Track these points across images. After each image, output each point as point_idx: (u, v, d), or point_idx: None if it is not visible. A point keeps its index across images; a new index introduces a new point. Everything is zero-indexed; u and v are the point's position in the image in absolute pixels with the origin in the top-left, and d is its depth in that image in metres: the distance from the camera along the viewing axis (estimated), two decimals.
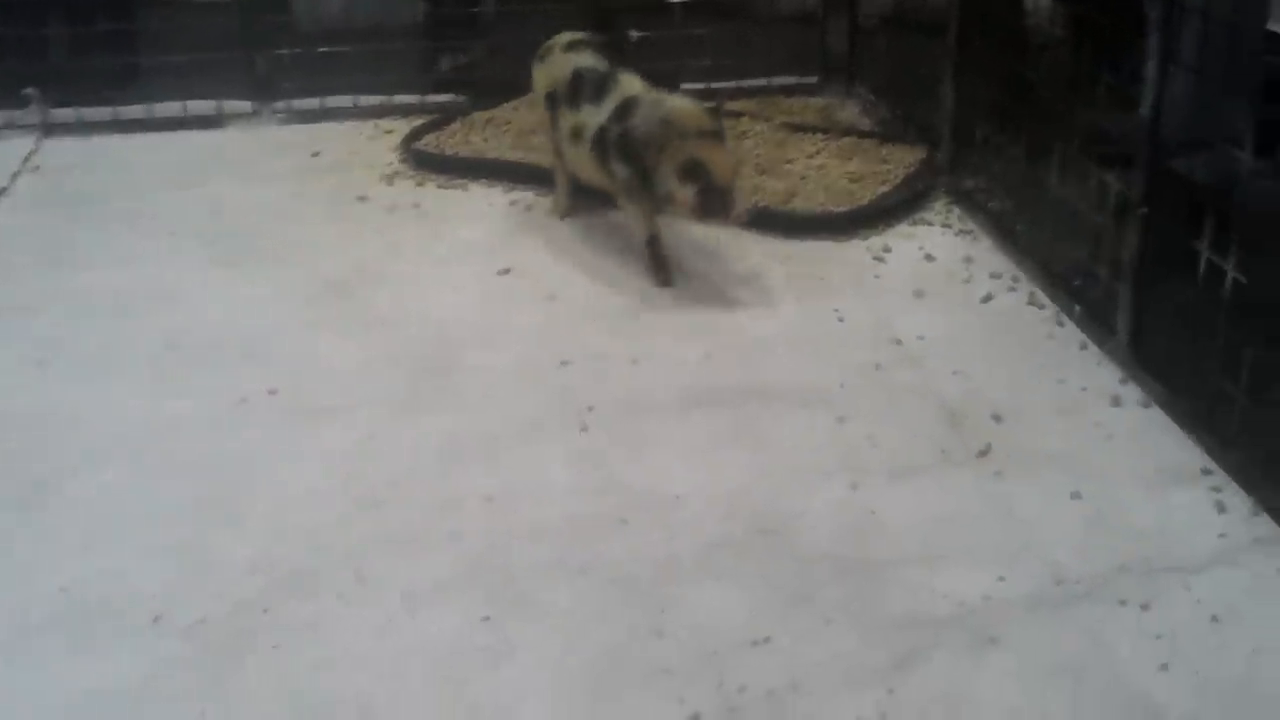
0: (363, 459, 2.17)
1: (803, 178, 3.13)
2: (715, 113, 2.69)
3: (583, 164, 2.87)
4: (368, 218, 3.10)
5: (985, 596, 1.84)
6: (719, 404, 2.31)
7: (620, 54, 2.97)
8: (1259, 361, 2.01)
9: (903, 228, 2.97)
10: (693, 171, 2.57)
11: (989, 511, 2.03)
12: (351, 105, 3.73)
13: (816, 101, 3.70)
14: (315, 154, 3.47)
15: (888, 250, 2.87)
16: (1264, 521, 1.97)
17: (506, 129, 3.48)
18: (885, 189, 3.07)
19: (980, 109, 2.97)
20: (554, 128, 2.93)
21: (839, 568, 1.91)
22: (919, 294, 2.68)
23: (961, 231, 2.95)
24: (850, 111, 3.64)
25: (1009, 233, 2.85)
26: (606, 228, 2.98)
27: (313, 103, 3.73)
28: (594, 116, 2.77)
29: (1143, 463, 2.13)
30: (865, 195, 3.04)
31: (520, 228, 3.03)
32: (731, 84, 3.71)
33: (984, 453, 2.16)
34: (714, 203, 2.58)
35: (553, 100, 2.90)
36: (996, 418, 2.25)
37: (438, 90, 3.77)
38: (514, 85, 3.63)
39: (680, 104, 2.69)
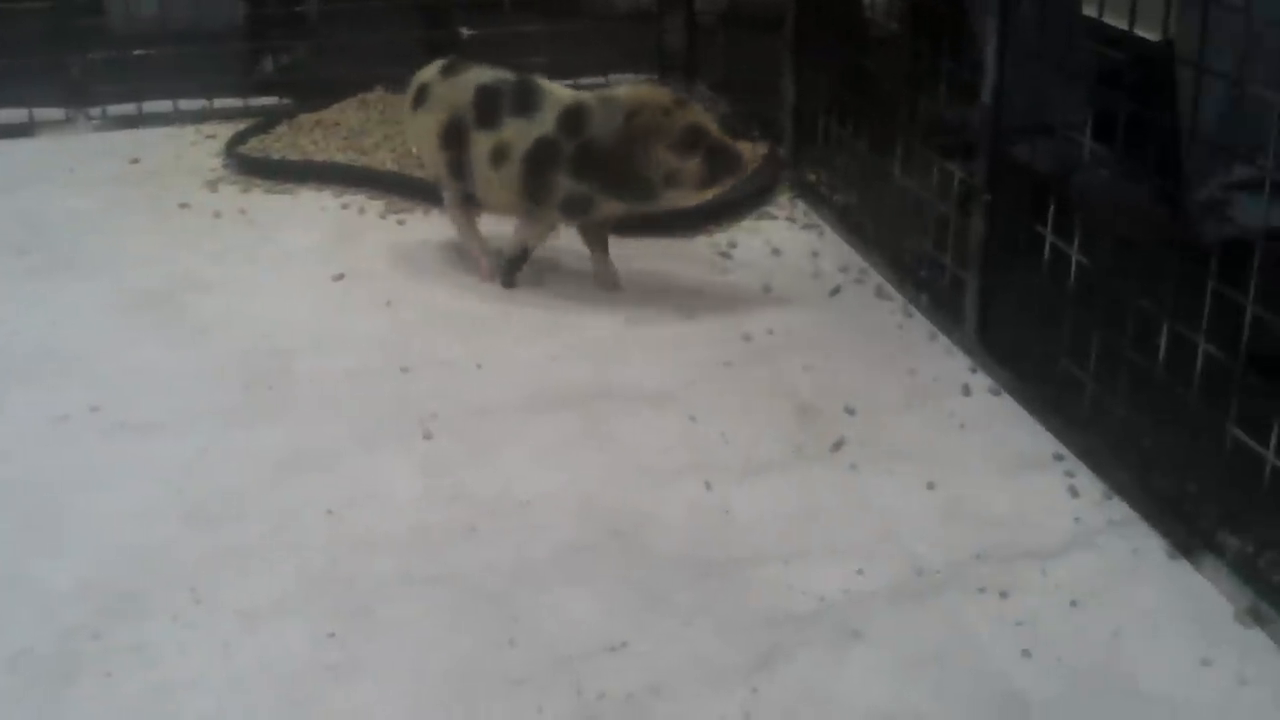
0: (194, 474, 2.09)
1: None
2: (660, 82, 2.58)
3: (505, 186, 2.58)
4: (191, 225, 2.99)
5: (845, 590, 1.82)
6: (567, 406, 2.27)
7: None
8: (1105, 345, 2.04)
9: (748, 223, 2.97)
10: (690, 139, 2.45)
11: (845, 505, 2.02)
12: (171, 110, 3.61)
13: None
14: (134, 161, 3.36)
15: (734, 246, 2.86)
16: (1117, 504, 1.99)
17: (335, 131, 3.39)
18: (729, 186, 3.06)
19: (822, 103, 2.99)
20: (457, 172, 2.64)
21: (696, 568, 1.88)
22: (767, 289, 2.67)
23: (807, 225, 2.96)
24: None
25: (855, 225, 2.86)
26: (443, 231, 2.92)
27: (130, 108, 3.60)
28: (526, 130, 2.53)
29: (995, 450, 2.14)
30: (709, 191, 3.02)
31: (353, 232, 2.96)
32: (569, 82, 3.65)
33: (838, 446, 2.15)
34: (723, 161, 2.47)
35: (454, 132, 2.60)
36: (849, 411, 2.25)
37: (261, 93, 3.66)
38: (341, 86, 3.56)
39: (626, 91, 2.58)
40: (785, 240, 2.89)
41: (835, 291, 2.67)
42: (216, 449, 2.15)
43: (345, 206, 3.07)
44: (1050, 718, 1.61)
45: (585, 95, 2.57)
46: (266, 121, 3.46)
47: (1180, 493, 1.93)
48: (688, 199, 2.55)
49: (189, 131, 3.56)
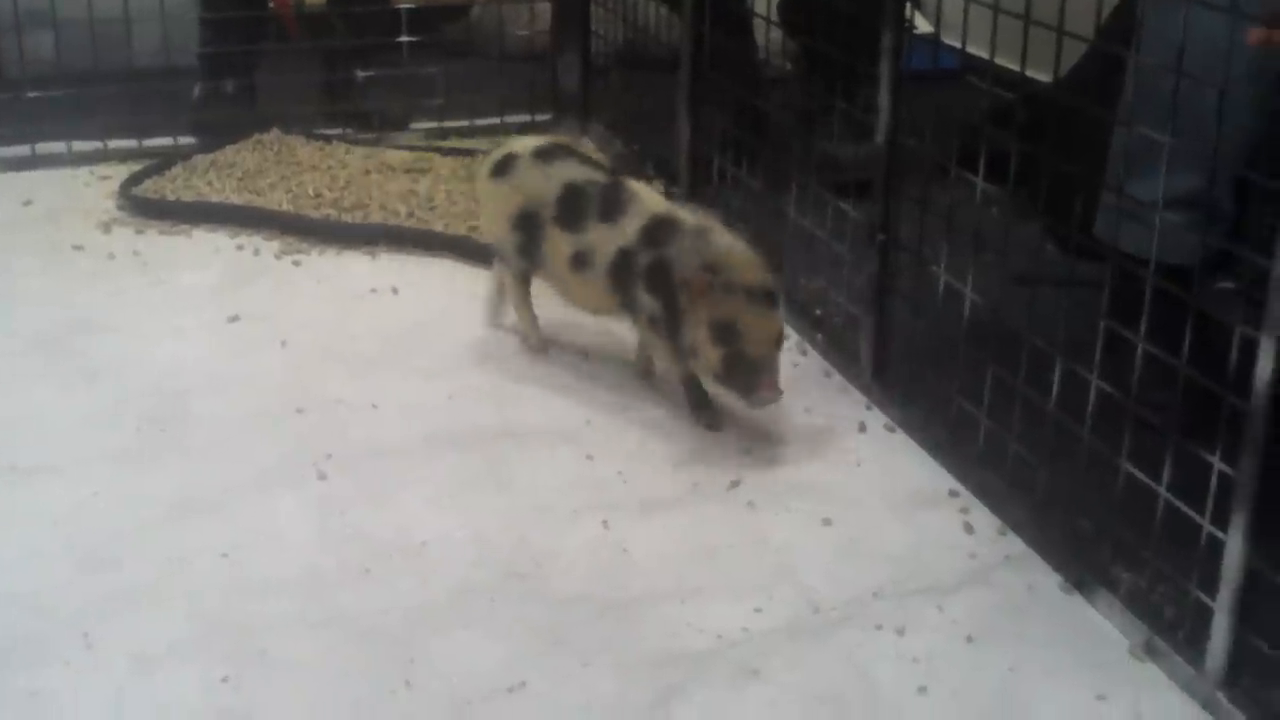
0: (86, 518, 2.02)
1: None
2: (772, 263, 2.23)
3: (589, 293, 2.37)
4: (85, 267, 2.91)
5: (744, 629, 1.80)
6: (464, 447, 2.23)
7: (606, 159, 2.55)
8: (998, 381, 2.04)
9: None
10: (725, 334, 2.13)
11: (742, 543, 2.00)
12: (65, 151, 3.51)
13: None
14: (26, 203, 3.26)
15: None
16: (1012, 540, 1.99)
17: (230, 172, 3.32)
18: None
19: (716, 143, 2.98)
20: (525, 255, 2.44)
21: (594, 608, 1.84)
22: None
23: None
24: (585, 149, 3.61)
25: None
26: (339, 271, 2.87)
27: (23, 150, 3.49)
28: (609, 238, 2.28)
29: (891, 487, 2.14)
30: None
31: (248, 273, 2.89)
32: (465, 123, 3.65)
33: (734, 485, 2.14)
34: (742, 376, 2.15)
35: (531, 219, 2.38)
36: (745, 450, 2.24)
37: (156, 134, 3.58)
38: (235, 127, 3.50)
39: (732, 245, 2.21)
40: None
41: None
42: (109, 492, 2.09)
43: (240, 248, 3.00)
44: None
45: (681, 211, 2.29)
46: (162, 163, 3.39)
47: (1074, 528, 1.94)
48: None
49: (83, 173, 3.46)
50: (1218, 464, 1.61)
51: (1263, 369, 1.52)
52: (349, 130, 3.63)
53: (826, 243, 2.56)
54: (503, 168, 2.45)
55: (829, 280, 2.60)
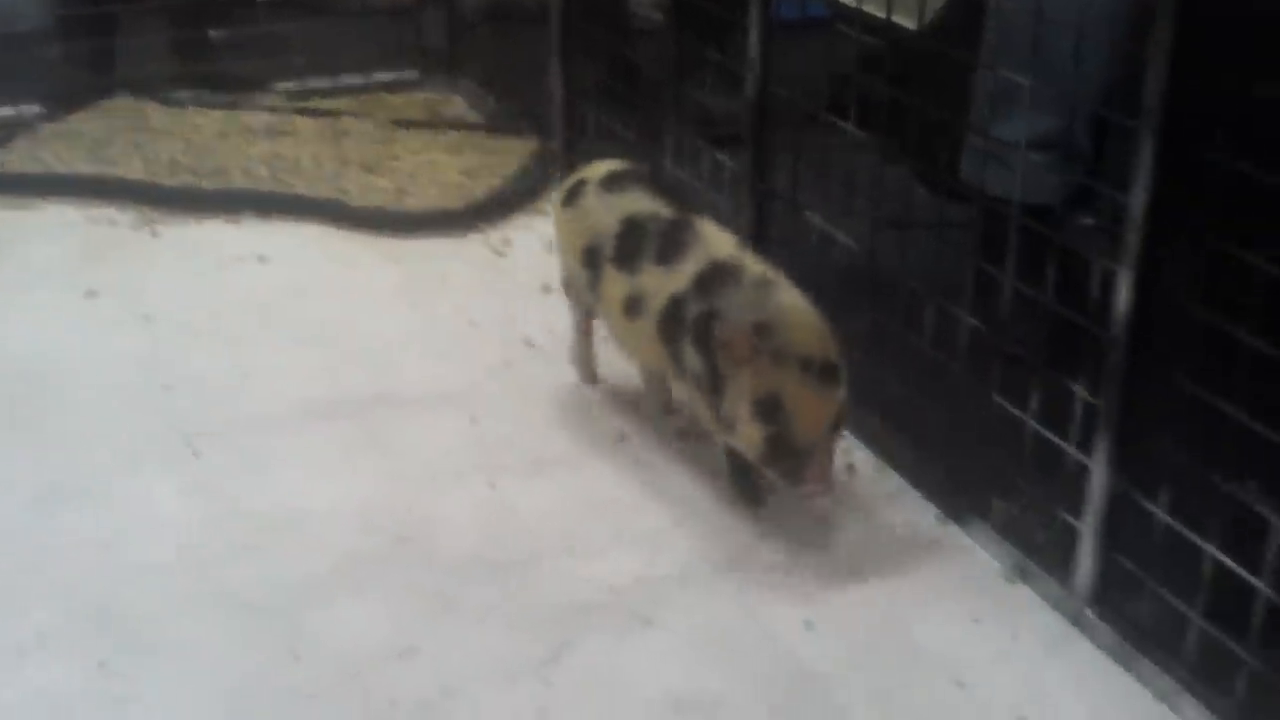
0: None
1: (412, 175, 3.16)
2: (842, 334, 1.96)
3: (639, 343, 2.13)
4: None
5: (636, 579, 1.92)
6: (343, 415, 2.30)
7: (681, 191, 2.28)
8: (873, 324, 2.17)
9: (522, 220, 3.04)
10: (771, 411, 1.87)
11: (631, 497, 2.11)
12: None
13: (420, 97, 3.73)
14: None
15: (508, 244, 2.93)
16: (891, 477, 2.15)
17: (78, 141, 3.33)
18: (500, 182, 3.13)
19: (590, 96, 3.08)
20: (591, 287, 2.19)
21: (485, 569, 1.94)
22: (545, 288, 2.74)
23: None
24: (456, 105, 3.69)
25: None
26: (201, 241, 2.91)
27: None
28: (663, 282, 2.02)
29: None
30: (479, 189, 3.10)
31: (103, 246, 2.92)
32: (327, 82, 3.69)
33: (621, 439, 2.24)
34: (786, 462, 1.89)
35: (595, 256, 2.15)
36: (632, 404, 2.34)
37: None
38: (89, 93, 3.50)
39: (793, 305, 1.95)
40: None
41: None
42: None
43: (93, 220, 3.02)
44: (835, 685, 1.74)
45: (749, 258, 2.03)
46: (4, 134, 3.38)
47: (949, 464, 2.08)
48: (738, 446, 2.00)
49: None
50: (1081, 394, 1.77)
51: (1121, 300, 1.67)
52: (203, 93, 3.65)
53: (703, 193, 2.67)
54: (573, 196, 2.25)
55: None
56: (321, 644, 1.79)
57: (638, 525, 2.04)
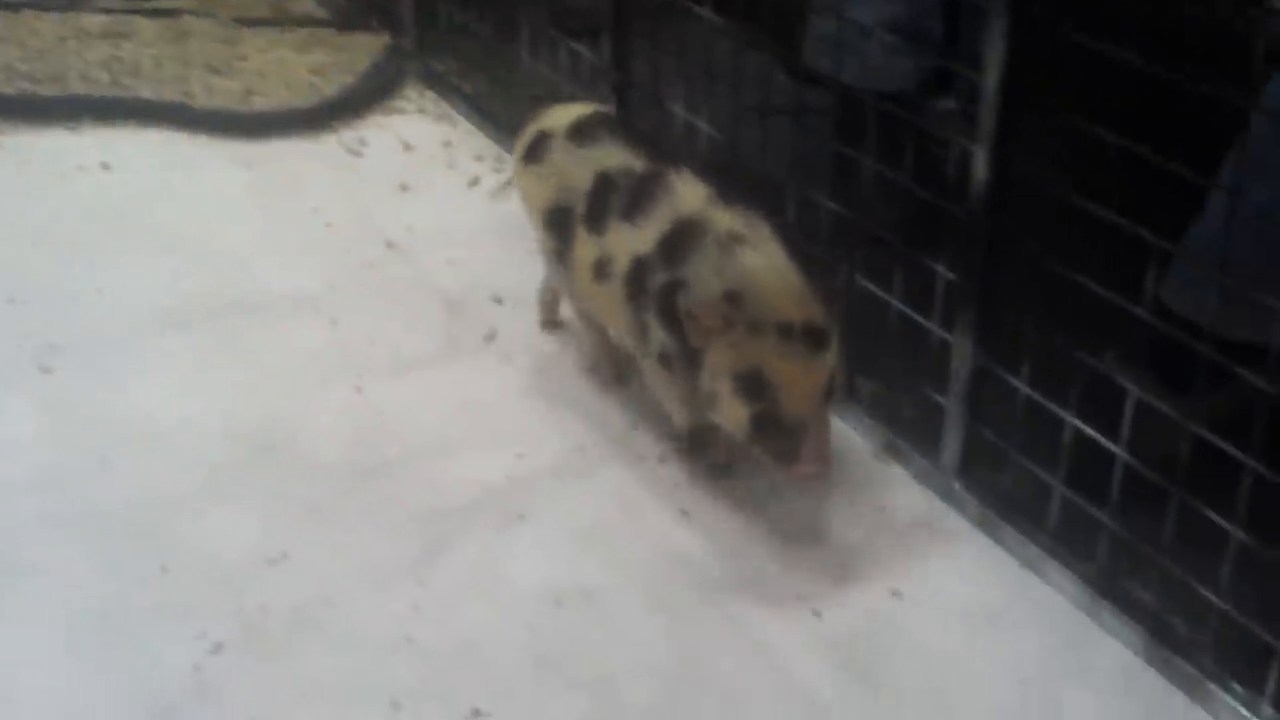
0: None
1: (260, 74, 3.08)
2: (826, 289, 1.77)
3: (610, 309, 1.92)
4: None
5: (508, 476, 1.92)
6: (199, 324, 2.26)
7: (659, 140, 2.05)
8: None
9: (376, 118, 2.98)
10: (753, 387, 1.70)
11: (502, 395, 2.11)
12: None
13: None
14: None
15: (364, 143, 2.88)
16: None
17: None
18: (352, 79, 3.07)
19: None
20: (563, 262, 2.00)
21: (353, 473, 1.93)
22: (404, 186, 2.70)
23: (438, 116, 3.00)
24: (303, 2, 3.60)
25: (487, 113, 2.92)
26: (40, 150, 2.82)
27: None
28: (627, 242, 1.84)
29: None
30: (331, 87, 3.03)
31: None
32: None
33: (490, 338, 2.23)
34: (777, 441, 1.71)
35: (563, 219, 1.96)
36: (498, 301, 2.33)
37: None
38: None
39: (767, 264, 1.74)
40: (417, 133, 2.92)
41: (474, 183, 2.73)
42: None
43: None
44: (710, 570, 1.77)
45: (719, 212, 1.81)
46: None
47: None
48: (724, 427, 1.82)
49: None
50: (943, 271, 1.80)
51: (977, 176, 1.69)
52: None
53: (562, 86, 2.64)
54: (534, 150, 2.05)
55: None
56: (190, 555, 1.77)
57: (508, 423, 2.04)
